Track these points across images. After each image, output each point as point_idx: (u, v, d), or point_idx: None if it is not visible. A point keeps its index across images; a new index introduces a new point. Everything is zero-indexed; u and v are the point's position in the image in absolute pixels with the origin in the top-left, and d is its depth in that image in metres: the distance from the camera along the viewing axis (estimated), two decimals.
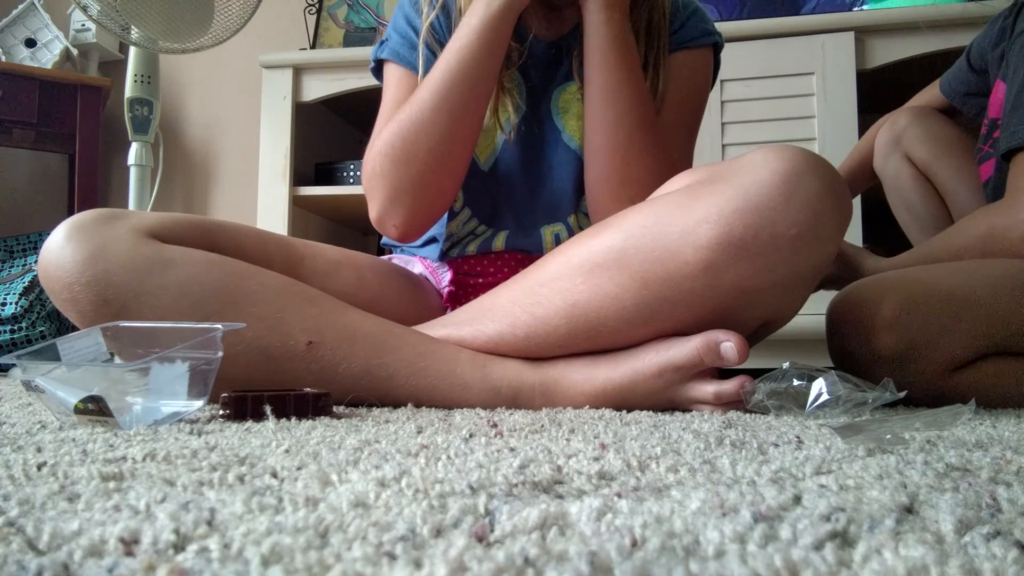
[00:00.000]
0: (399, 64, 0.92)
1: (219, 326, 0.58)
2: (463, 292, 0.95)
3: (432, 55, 0.88)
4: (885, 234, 1.45)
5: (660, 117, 0.88)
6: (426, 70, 0.88)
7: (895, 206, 1.33)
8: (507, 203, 0.93)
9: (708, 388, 0.67)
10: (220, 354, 0.57)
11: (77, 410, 0.52)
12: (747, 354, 0.65)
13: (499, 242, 0.93)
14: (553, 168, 0.91)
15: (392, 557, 0.21)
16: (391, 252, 1.07)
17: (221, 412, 0.60)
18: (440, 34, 0.90)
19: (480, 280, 0.95)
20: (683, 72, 0.91)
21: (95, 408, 0.51)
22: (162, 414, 0.55)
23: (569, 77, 0.91)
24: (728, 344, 0.65)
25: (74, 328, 0.68)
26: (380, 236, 1.08)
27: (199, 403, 0.58)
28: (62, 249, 0.68)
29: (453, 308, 0.92)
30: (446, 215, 0.94)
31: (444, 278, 0.96)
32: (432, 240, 0.98)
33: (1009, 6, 1.10)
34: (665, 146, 0.84)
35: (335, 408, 0.66)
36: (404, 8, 0.94)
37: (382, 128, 0.86)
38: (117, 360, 0.61)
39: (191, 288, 0.68)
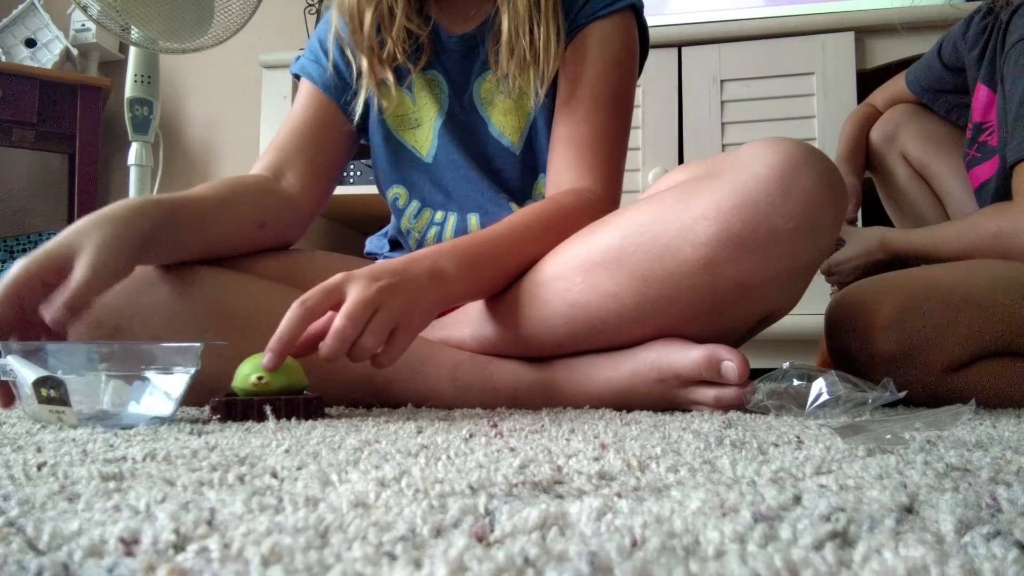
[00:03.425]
0: (306, 79, 0.93)
1: (198, 344, 0.57)
2: None
3: (340, 54, 0.89)
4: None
5: (573, 99, 0.83)
6: (337, 72, 0.90)
7: (889, 205, 1.33)
8: (457, 188, 0.91)
9: (708, 392, 0.67)
10: (196, 368, 0.57)
11: (40, 397, 0.51)
12: (748, 374, 0.65)
13: (473, 224, 0.91)
14: (491, 157, 0.91)
15: (392, 557, 0.21)
16: (373, 259, 1.06)
17: (211, 417, 0.59)
18: (346, 38, 0.89)
19: None
20: (596, 43, 0.85)
21: (57, 396, 0.51)
22: (134, 417, 0.55)
23: (487, 67, 0.88)
24: (729, 364, 0.64)
25: None
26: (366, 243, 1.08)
27: (169, 410, 0.57)
28: None
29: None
30: (394, 214, 0.94)
31: None
32: (396, 243, 0.98)
33: (985, 8, 1.09)
34: (589, 198, 0.79)
35: (329, 409, 0.66)
36: (320, 28, 0.95)
37: (269, 148, 0.90)
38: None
39: (183, 305, 0.67)
